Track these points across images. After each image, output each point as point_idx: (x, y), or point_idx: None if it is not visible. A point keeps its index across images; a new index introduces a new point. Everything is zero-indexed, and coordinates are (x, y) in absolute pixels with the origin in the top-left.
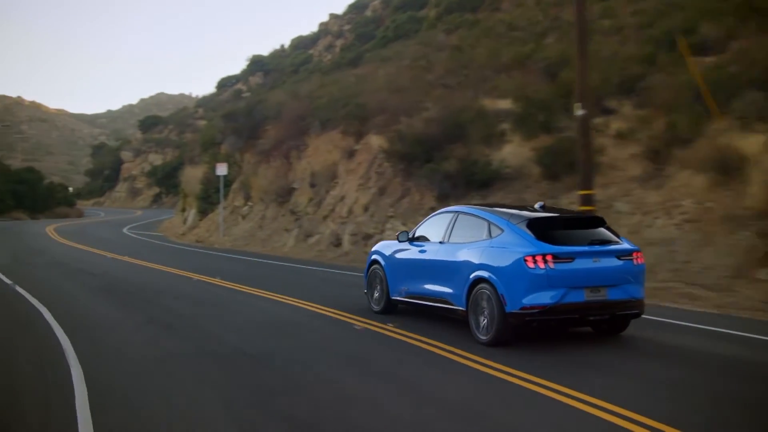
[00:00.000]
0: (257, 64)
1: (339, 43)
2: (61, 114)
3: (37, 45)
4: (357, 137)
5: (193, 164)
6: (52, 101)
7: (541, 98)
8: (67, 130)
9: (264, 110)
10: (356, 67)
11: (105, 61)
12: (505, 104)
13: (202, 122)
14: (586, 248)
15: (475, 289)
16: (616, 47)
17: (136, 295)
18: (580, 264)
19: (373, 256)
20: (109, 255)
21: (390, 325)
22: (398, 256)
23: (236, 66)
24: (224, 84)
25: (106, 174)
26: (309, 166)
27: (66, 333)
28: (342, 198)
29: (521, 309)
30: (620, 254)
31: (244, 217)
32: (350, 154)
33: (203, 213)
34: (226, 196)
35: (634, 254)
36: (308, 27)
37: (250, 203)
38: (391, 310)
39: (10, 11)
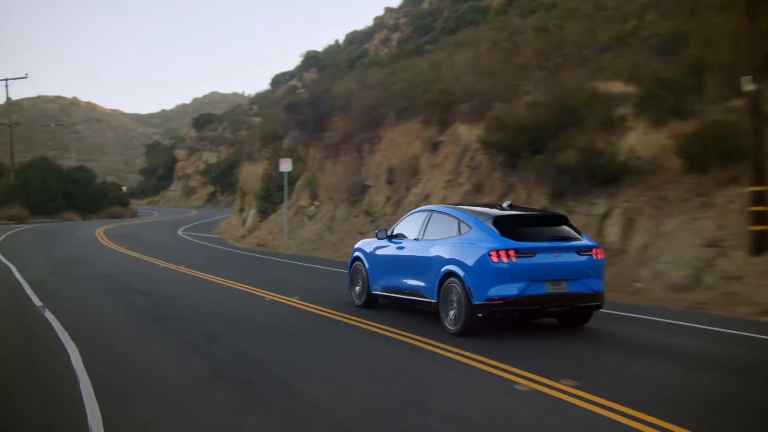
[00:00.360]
0: (311, 59)
1: (396, 36)
2: (116, 114)
3: (92, 46)
4: (441, 127)
5: (252, 161)
6: (107, 102)
7: (669, 78)
8: (122, 129)
9: (330, 100)
10: (420, 57)
11: (159, 62)
12: (617, 86)
13: (257, 119)
14: (547, 244)
15: (446, 283)
16: None
17: (196, 325)
18: (541, 259)
19: (356, 253)
20: (162, 264)
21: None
22: (378, 252)
23: (290, 63)
24: (278, 81)
25: (160, 173)
26: (385, 160)
27: (98, 398)
28: (426, 196)
29: (486, 300)
30: (580, 250)
31: (310, 218)
32: (434, 146)
33: (264, 213)
34: (289, 194)
35: (594, 250)
36: (363, 21)
37: (316, 202)
38: (371, 304)
39: (65, 14)
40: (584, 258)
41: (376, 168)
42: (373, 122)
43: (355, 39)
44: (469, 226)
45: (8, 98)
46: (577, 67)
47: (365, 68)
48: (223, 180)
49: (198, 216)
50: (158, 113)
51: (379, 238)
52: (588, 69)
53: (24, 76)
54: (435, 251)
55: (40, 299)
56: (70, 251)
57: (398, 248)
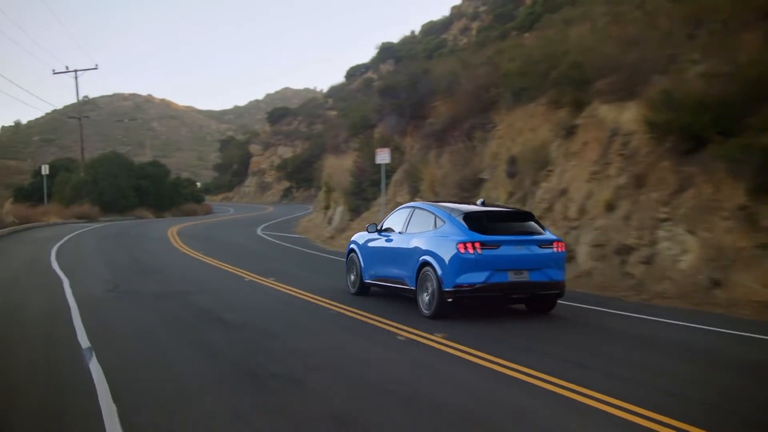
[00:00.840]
0: (387, 51)
1: (475, 25)
2: (190, 110)
3: (166, 45)
4: (574, 108)
5: (337, 153)
6: (181, 98)
7: None
8: (196, 126)
9: (430, 83)
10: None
11: (232, 58)
12: None
13: (332, 112)
14: (510, 237)
15: (422, 271)
16: None
17: (322, 399)
18: (504, 251)
19: (351, 245)
20: (248, 276)
21: None
22: (369, 245)
23: (363, 56)
24: (353, 73)
25: (234, 168)
26: (503, 149)
27: None
28: (563, 191)
29: (455, 287)
30: (541, 243)
31: None
32: (567, 131)
33: (355, 211)
34: (385, 190)
35: (555, 243)
36: (439, 12)
37: (418, 198)
38: (364, 292)
39: (138, 13)
40: (545, 251)
41: (491, 158)
42: (484, 106)
43: (432, 29)
44: (443, 221)
45: (83, 96)
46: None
47: (444, 58)
48: (298, 175)
49: (275, 213)
50: (231, 109)
51: (369, 232)
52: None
53: (94, 67)
54: (414, 243)
55: (89, 335)
56: (138, 257)
57: (386, 240)
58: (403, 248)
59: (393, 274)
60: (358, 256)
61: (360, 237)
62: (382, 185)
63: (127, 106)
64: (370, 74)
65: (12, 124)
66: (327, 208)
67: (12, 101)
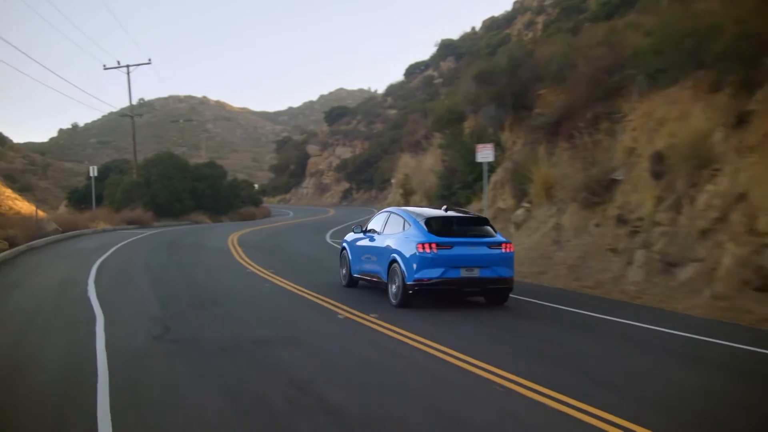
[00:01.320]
0: (448, 48)
1: (540, 19)
2: (244, 112)
3: (220, 47)
4: (742, 91)
5: (415, 151)
6: (235, 100)
7: None
8: (250, 127)
9: (536, 67)
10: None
11: (285, 59)
12: None
13: (392, 111)
14: (462, 239)
15: (391, 267)
16: None
17: None
18: (457, 250)
19: (343, 244)
20: (339, 311)
21: None
22: (357, 243)
23: (418, 54)
24: (412, 71)
25: (291, 169)
26: (643, 143)
27: None
28: (741, 197)
29: (415, 281)
30: (491, 244)
31: (518, 226)
32: (738, 119)
33: None
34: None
35: (503, 245)
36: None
37: (526, 203)
38: (353, 284)
39: (194, 16)
40: (495, 251)
41: (625, 155)
42: (608, 92)
43: (493, 25)
44: (410, 225)
45: (139, 98)
46: None
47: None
48: (359, 176)
49: (339, 217)
50: (285, 110)
51: (355, 233)
52: None
53: (148, 62)
54: (387, 243)
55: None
56: (195, 277)
57: (370, 240)
58: (380, 247)
59: (372, 270)
60: (348, 253)
61: (350, 237)
62: (485, 187)
63: (183, 108)
64: (430, 72)
65: (69, 126)
66: None
67: (68, 104)
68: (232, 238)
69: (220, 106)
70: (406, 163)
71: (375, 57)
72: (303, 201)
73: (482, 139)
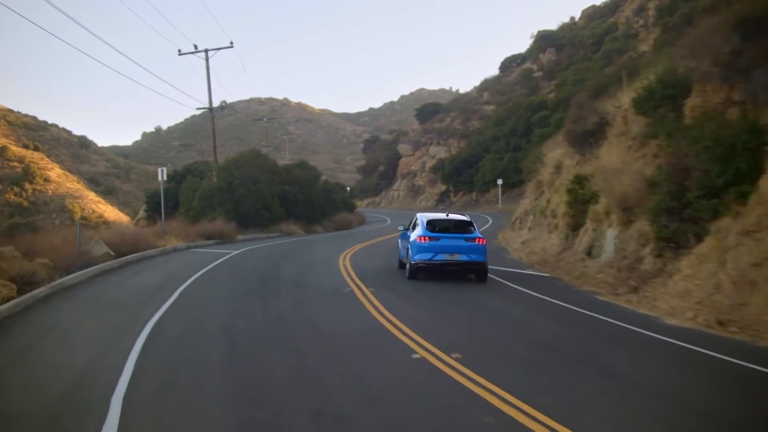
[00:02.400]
0: (547, 39)
1: (652, 4)
2: (325, 113)
3: (302, 49)
4: None
5: (580, 145)
6: (316, 102)
7: None
8: (332, 128)
9: None
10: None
11: (366, 61)
12: None
13: (490, 107)
14: (447, 234)
15: (407, 252)
16: None
17: None
18: (443, 242)
19: (398, 239)
20: None
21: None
22: (401, 239)
23: (499, 53)
24: (508, 65)
25: (381, 170)
26: None
27: None
28: None
29: (415, 262)
30: (467, 238)
31: None
32: None
33: (667, 241)
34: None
35: (477, 239)
36: None
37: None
38: (402, 267)
39: (275, 23)
40: (470, 243)
41: None
42: None
43: (596, 14)
44: (419, 224)
45: (221, 101)
46: None
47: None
48: (457, 177)
49: None
50: (366, 111)
51: (400, 230)
52: None
53: (230, 45)
54: (410, 236)
55: None
56: (321, 377)
57: (403, 236)
58: (407, 239)
59: (403, 255)
60: (399, 244)
61: (401, 233)
62: None
63: (264, 110)
64: (528, 65)
65: (153, 130)
66: (575, 230)
67: (152, 108)
68: (345, 263)
69: (301, 107)
70: (559, 160)
71: (455, 57)
72: (394, 204)
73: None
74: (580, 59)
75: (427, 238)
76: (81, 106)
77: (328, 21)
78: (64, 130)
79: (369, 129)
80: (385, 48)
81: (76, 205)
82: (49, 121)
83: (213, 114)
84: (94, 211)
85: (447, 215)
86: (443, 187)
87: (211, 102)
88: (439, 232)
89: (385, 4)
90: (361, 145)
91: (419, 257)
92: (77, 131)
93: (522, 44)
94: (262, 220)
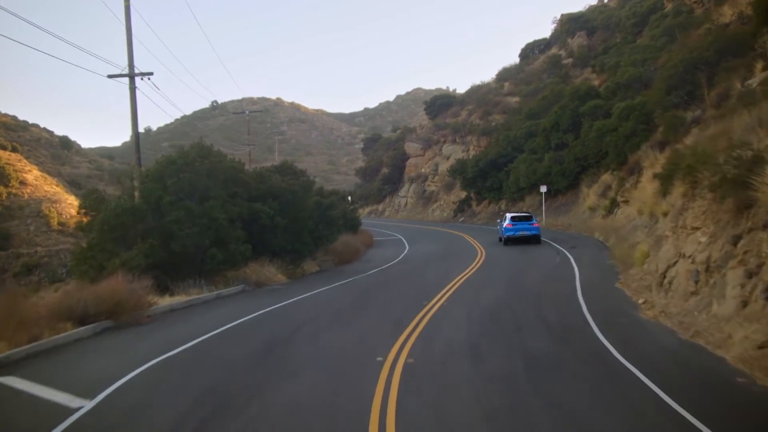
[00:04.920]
0: (576, 22)
1: None
2: (320, 114)
3: (295, 48)
4: None
5: None
6: (310, 102)
7: None
8: (326, 129)
9: None
10: None
11: (361, 61)
12: None
13: (513, 99)
14: (518, 222)
15: (502, 232)
16: None
17: None
18: (517, 225)
19: (498, 227)
20: None
21: None
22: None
23: (492, 57)
24: (528, 52)
25: (384, 173)
26: None
27: None
28: None
29: (505, 235)
30: (531, 223)
31: None
32: None
33: None
34: None
35: (535, 224)
36: None
37: None
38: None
39: (266, 16)
40: (532, 225)
41: None
42: None
43: None
44: (506, 218)
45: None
46: None
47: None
48: (482, 182)
49: (498, 253)
50: (361, 112)
51: (498, 222)
52: None
53: (150, 73)
54: (503, 224)
55: None
56: None
57: (500, 224)
58: (501, 227)
59: (500, 235)
60: (499, 231)
61: (500, 224)
62: None
63: (256, 110)
64: (555, 50)
65: (142, 131)
66: None
67: (142, 110)
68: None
69: (294, 107)
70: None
71: (452, 57)
72: (401, 214)
73: None
74: (620, 42)
75: (510, 224)
76: (68, 106)
77: (322, 20)
78: (45, 130)
79: (364, 129)
80: (381, 47)
81: (53, 209)
82: (30, 121)
83: (134, 84)
84: (72, 216)
85: (518, 213)
86: (463, 194)
87: (131, 63)
88: (514, 221)
89: (381, 4)
90: (358, 146)
91: (508, 233)
92: (70, 133)
93: (514, 50)
94: (212, 263)
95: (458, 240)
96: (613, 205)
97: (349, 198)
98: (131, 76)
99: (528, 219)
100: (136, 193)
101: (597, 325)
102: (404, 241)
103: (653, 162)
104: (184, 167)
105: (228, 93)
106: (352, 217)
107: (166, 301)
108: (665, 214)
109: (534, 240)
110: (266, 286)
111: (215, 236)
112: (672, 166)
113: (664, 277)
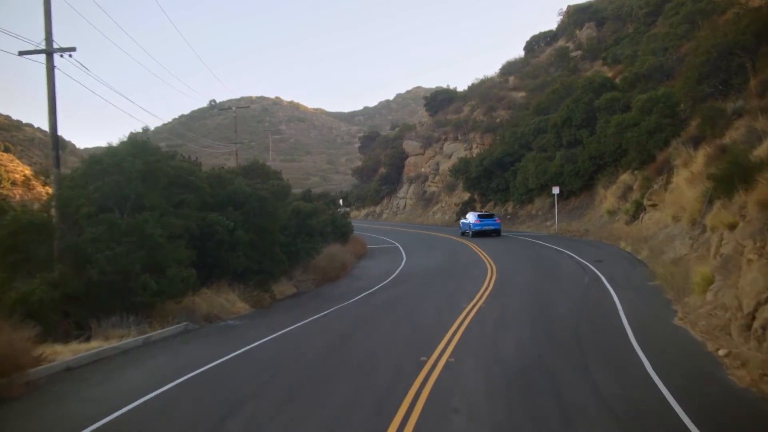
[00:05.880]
0: (584, 13)
1: None
2: (319, 113)
3: (294, 47)
4: None
5: None
6: (309, 101)
7: None
8: (325, 128)
9: None
10: None
11: (361, 59)
12: None
13: (519, 94)
14: (484, 219)
15: (469, 227)
16: None
17: None
18: (484, 222)
19: (461, 223)
20: None
21: None
22: (462, 221)
23: (492, 56)
24: (534, 45)
25: (382, 173)
26: None
27: None
28: None
29: (474, 229)
30: (494, 220)
31: None
32: None
33: None
34: None
35: (497, 220)
36: None
37: None
38: (465, 236)
39: (267, 16)
40: (495, 221)
41: None
42: None
43: None
44: (473, 215)
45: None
46: None
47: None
48: (486, 183)
49: (516, 266)
50: (361, 111)
51: (461, 220)
52: None
53: (72, 48)
54: (468, 221)
55: None
56: None
57: (463, 221)
58: (466, 222)
59: (465, 230)
60: (461, 226)
61: (462, 220)
62: None
63: (255, 110)
64: (562, 43)
65: (140, 130)
66: None
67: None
68: None
69: (293, 106)
70: None
71: (452, 56)
72: (399, 216)
73: None
74: (633, 33)
75: (478, 220)
76: (70, 105)
77: (322, 19)
78: (39, 129)
79: (364, 128)
80: (381, 46)
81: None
82: (24, 121)
83: (52, 62)
84: None
85: (483, 212)
86: (466, 196)
87: (49, 36)
88: (481, 218)
89: (381, 3)
90: (357, 145)
91: (476, 228)
92: (69, 133)
93: (518, 46)
94: (144, 294)
95: (462, 249)
96: (639, 209)
97: (341, 201)
98: (48, 53)
99: (491, 216)
100: (53, 205)
101: (677, 399)
102: (402, 250)
103: (687, 160)
104: (111, 168)
105: (229, 93)
106: (343, 224)
107: (67, 353)
108: (731, 227)
109: (495, 233)
110: (220, 320)
111: (148, 258)
112: (731, 166)
113: (753, 318)
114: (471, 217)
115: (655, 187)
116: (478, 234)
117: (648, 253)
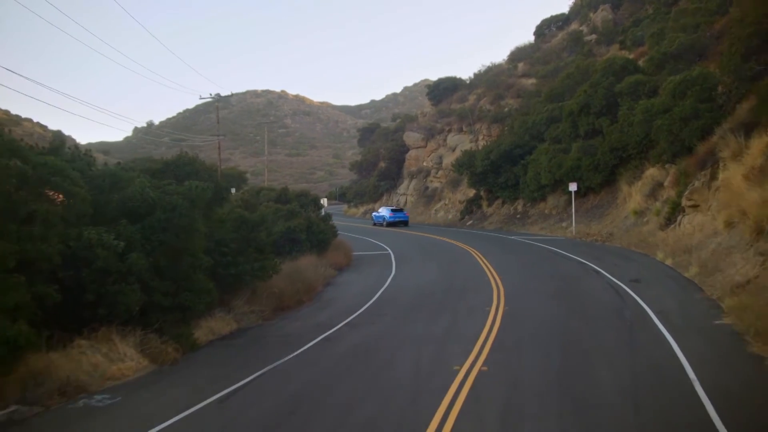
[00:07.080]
0: None
1: None
2: (325, 106)
3: (300, 40)
4: None
5: None
6: (315, 94)
7: None
8: (331, 122)
9: None
10: None
11: (368, 52)
12: None
13: (529, 81)
14: (396, 212)
15: (383, 219)
16: None
17: None
18: (396, 215)
19: (373, 215)
20: None
21: None
22: (374, 214)
23: (500, 49)
24: (544, 29)
25: (381, 168)
26: None
27: None
28: None
29: (387, 221)
30: (404, 213)
31: None
32: None
33: None
34: None
35: (407, 213)
36: None
37: None
38: (377, 225)
39: (275, 10)
40: (404, 215)
41: None
42: None
43: None
44: (387, 210)
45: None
46: None
47: None
48: (494, 178)
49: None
50: (368, 104)
51: (374, 212)
52: None
53: None
54: (382, 213)
55: None
56: None
57: (377, 213)
58: (380, 215)
59: (380, 221)
60: (373, 218)
61: (375, 213)
62: None
63: (260, 103)
64: (575, 26)
65: (144, 124)
66: None
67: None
68: None
69: (299, 100)
70: None
71: (460, 49)
72: None
73: None
74: (653, 14)
75: (391, 213)
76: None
77: (329, 12)
78: (38, 125)
79: (370, 122)
80: (388, 39)
81: None
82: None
83: None
84: None
85: (394, 208)
86: (471, 192)
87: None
88: (393, 213)
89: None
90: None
91: (390, 219)
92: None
93: (528, 33)
94: None
95: (465, 259)
96: (675, 210)
97: (323, 201)
98: None
99: (401, 211)
100: None
101: None
102: (392, 258)
103: (737, 152)
104: None
105: (235, 86)
106: (321, 230)
107: None
108: None
109: (403, 224)
110: (84, 393)
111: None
112: None
113: None
114: (384, 211)
115: (697, 184)
116: (392, 224)
117: (698, 270)
